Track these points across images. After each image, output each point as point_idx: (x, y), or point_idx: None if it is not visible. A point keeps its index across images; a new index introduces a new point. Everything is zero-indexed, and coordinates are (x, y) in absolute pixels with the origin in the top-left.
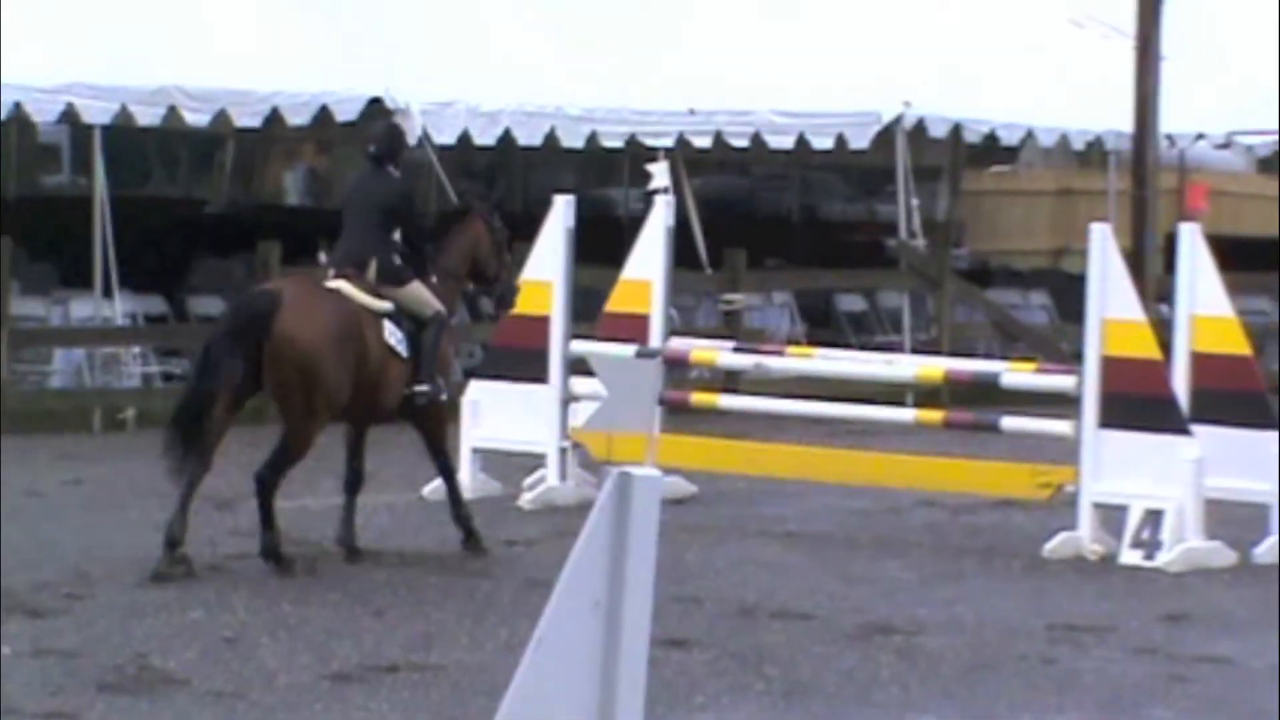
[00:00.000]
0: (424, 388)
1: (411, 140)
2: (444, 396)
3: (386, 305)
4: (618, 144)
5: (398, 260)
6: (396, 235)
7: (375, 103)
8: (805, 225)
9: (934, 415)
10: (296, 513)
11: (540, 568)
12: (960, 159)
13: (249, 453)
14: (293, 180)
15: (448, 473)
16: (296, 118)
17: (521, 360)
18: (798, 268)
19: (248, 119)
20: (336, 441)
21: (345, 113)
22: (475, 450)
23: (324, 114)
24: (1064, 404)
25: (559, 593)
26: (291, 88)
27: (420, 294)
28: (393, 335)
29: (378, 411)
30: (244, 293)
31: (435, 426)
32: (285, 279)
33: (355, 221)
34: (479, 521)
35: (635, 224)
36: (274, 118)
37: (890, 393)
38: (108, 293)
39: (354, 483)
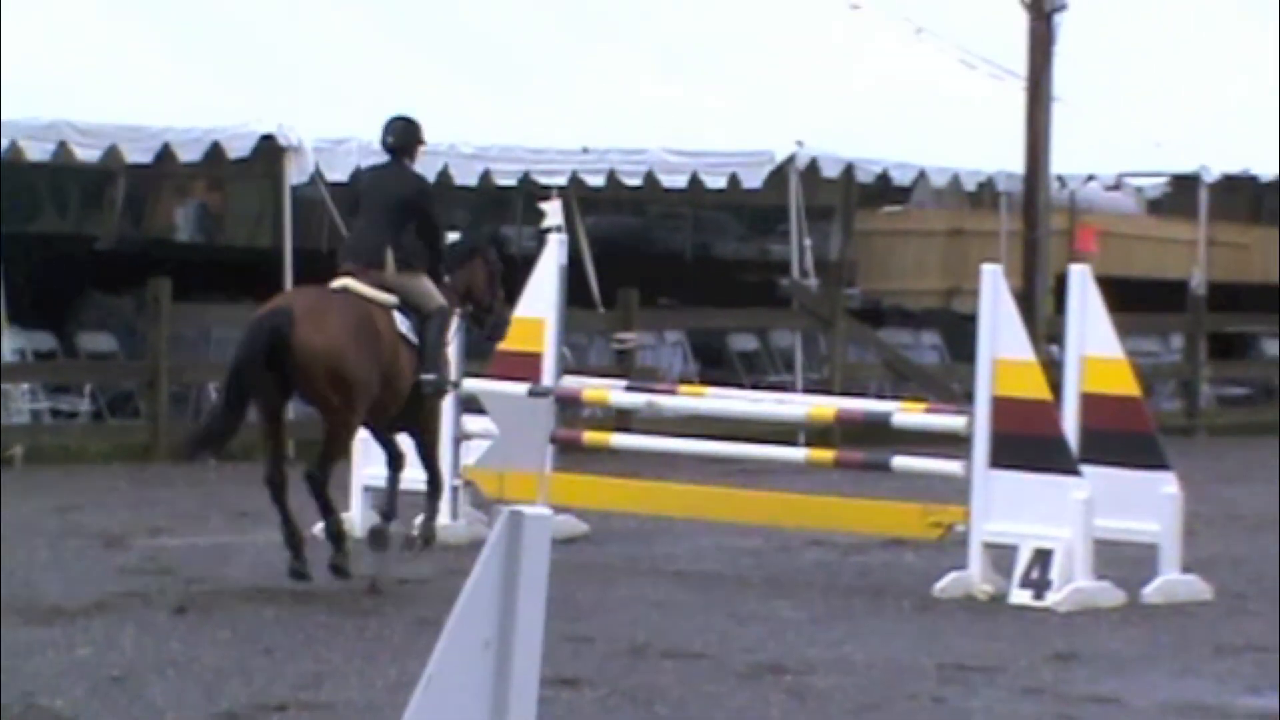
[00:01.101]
0: (431, 376)
1: (303, 177)
2: (448, 386)
3: (392, 299)
4: (511, 182)
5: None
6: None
7: (267, 139)
8: (698, 264)
9: (825, 455)
10: (186, 550)
11: (431, 606)
12: (853, 199)
13: (137, 489)
14: (184, 216)
15: (436, 483)
16: (188, 154)
17: None
18: (690, 307)
19: (139, 155)
20: (227, 479)
21: (237, 149)
22: (366, 488)
23: (215, 150)
24: (955, 444)
25: (449, 631)
26: (183, 124)
27: (428, 287)
28: (403, 324)
29: (395, 399)
30: (254, 316)
31: (434, 426)
32: (289, 292)
33: (371, 215)
34: (368, 560)
35: (528, 262)
36: (165, 154)
37: (782, 432)
38: None
39: (396, 460)
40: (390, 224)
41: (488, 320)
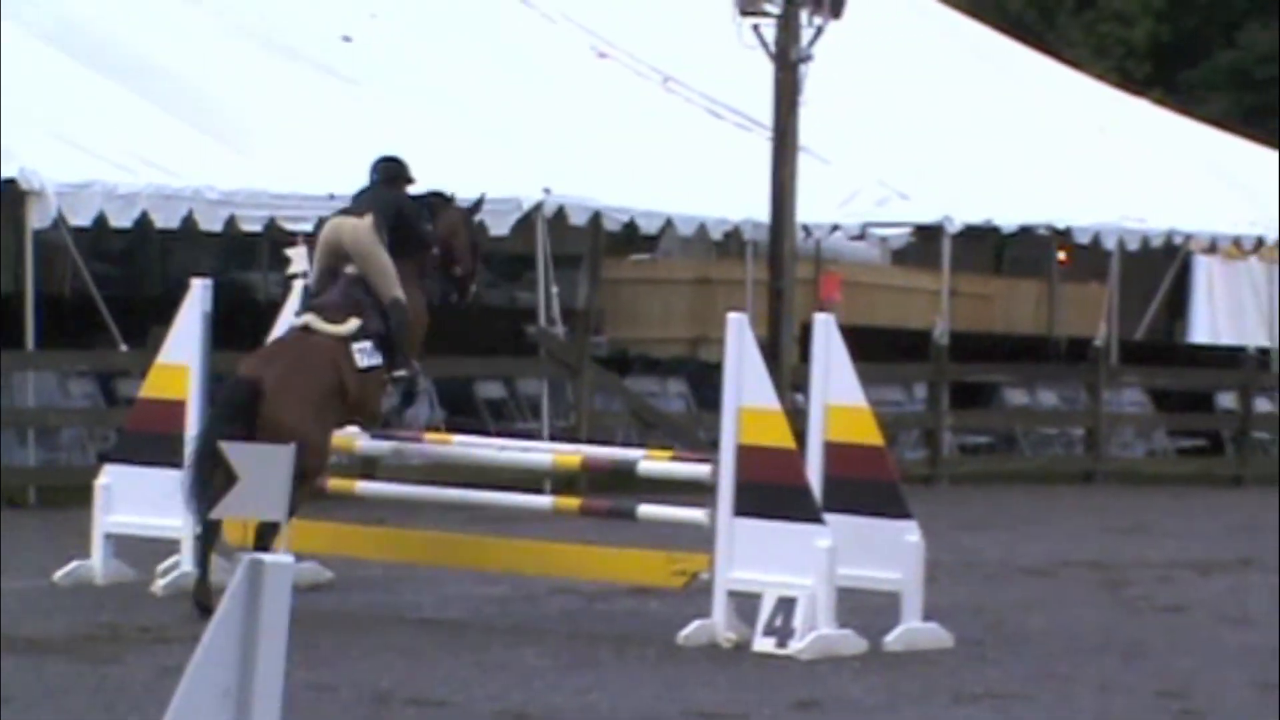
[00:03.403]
0: (401, 373)
1: (45, 221)
2: (420, 378)
3: (351, 326)
4: (256, 228)
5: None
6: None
7: (9, 183)
8: (445, 311)
9: (571, 502)
10: None
11: (173, 654)
12: (600, 247)
13: None
14: None
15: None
16: None
17: (156, 445)
18: (438, 354)
19: None
20: None
21: None
22: (108, 536)
23: None
24: (700, 492)
25: (187, 680)
26: None
27: (390, 271)
28: (362, 354)
29: (369, 415)
30: (228, 385)
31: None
32: (258, 357)
33: (359, 196)
34: (111, 609)
35: (274, 308)
36: None
37: (528, 479)
38: None
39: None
40: (374, 207)
41: (468, 290)
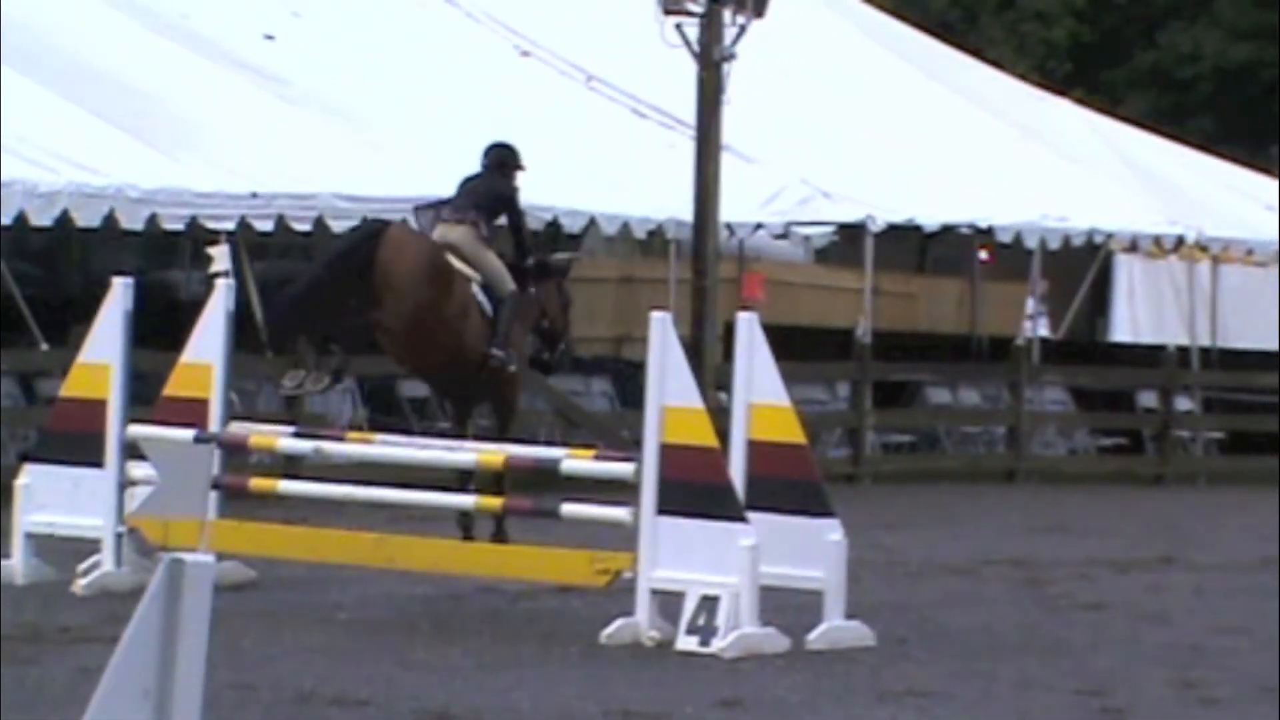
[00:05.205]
0: (499, 352)
1: None
2: (513, 367)
3: (476, 275)
4: (179, 226)
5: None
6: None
7: None
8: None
9: (494, 501)
10: None
11: (93, 655)
12: None
13: None
14: None
15: (507, 431)
16: None
17: (77, 444)
18: (361, 353)
19: None
20: None
21: None
22: (29, 535)
23: None
24: (623, 490)
25: (107, 680)
26: None
27: (503, 270)
28: (479, 293)
29: (461, 358)
30: (354, 229)
31: (508, 395)
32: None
33: (462, 197)
34: (31, 609)
35: (196, 307)
36: None
37: (451, 478)
38: None
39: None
40: (479, 206)
41: (557, 348)
